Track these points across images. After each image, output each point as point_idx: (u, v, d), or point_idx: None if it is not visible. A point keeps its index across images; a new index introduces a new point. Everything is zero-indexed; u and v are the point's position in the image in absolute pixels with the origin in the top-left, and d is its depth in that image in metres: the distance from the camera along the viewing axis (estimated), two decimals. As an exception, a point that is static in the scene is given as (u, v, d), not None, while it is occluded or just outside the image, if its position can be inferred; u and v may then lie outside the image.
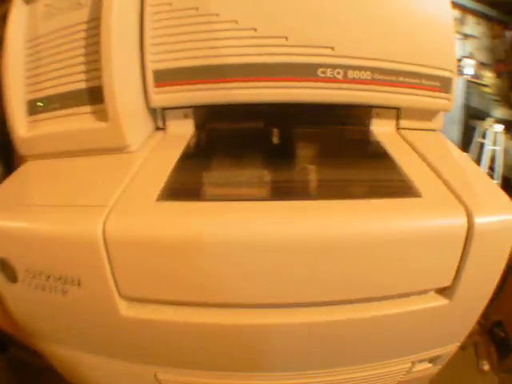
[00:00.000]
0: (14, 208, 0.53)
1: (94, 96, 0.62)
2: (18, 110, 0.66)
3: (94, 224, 0.47)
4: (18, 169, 0.66)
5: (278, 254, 0.46)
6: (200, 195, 0.56)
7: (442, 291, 0.50)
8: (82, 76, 0.63)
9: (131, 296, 0.50)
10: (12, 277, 0.53)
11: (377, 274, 0.48)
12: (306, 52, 0.60)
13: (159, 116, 0.69)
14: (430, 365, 0.60)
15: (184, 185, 0.55)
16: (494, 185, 0.53)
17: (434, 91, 0.62)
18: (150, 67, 0.63)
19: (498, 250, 0.48)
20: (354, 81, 0.60)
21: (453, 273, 0.48)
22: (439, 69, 0.61)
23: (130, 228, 0.47)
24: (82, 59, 0.62)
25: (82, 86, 0.63)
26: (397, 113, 0.66)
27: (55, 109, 0.66)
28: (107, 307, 0.51)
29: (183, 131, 0.68)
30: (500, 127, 2.09)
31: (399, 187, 0.52)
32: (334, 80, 0.60)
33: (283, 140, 0.65)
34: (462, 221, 0.45)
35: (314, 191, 0.56)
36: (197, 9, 0.60)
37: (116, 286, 0.49)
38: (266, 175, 0.56)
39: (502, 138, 2.10)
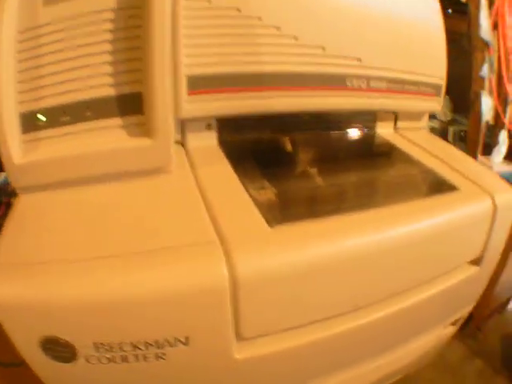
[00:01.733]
0: (64, 267, 0.40)
1: (126, 105, 0.51)
2: (10, 126, 0.49)
3: (216, 266, 0.40)
4: (18, 209, 0.50)
5: (372, 262, 0.49)
6: (302, 213, 0.53)
7: (474, 261, 0.63)
8: (108, 79, 0.50)
9: (250, 336, 0.46)
10: (65, 356, 0.41)
11: (432, 262, 0.57)
12: (338, 62, 0.62)
13: (177, 128, 0.60)
14: (452, 327, 0.74)
15: (275, 203, 0.51)
16: (483, 167, 0.69)
17: (430, 96, 0.73)
18: (184, 72, 0.54)
19: (508, 218, 0.63)
20: (373, 89, 0.65)
21: (482, 244, 0.61)
22: (434, 77, 0.72)
23: (270, 262, 0.42)
24: (107, 58, 0.50)
25: (107, 92, 0.50)
26: (395, 115, 0.75)
27: (65, 123, 0.51)
28: (219, 356, 0.45)
29: (206, 144, 0.61)
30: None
31: (438, 183, 0.62)
32: (359, 89, 0.64)
33: (308, 146, 0.67)
34: (490, 203, 0.58)
35: (375, 197, 0.60)
36: (238, 10, 0.55)
37: (236, 329, 0.44)
38: (328, 184, 0.58)
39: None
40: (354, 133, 0.73)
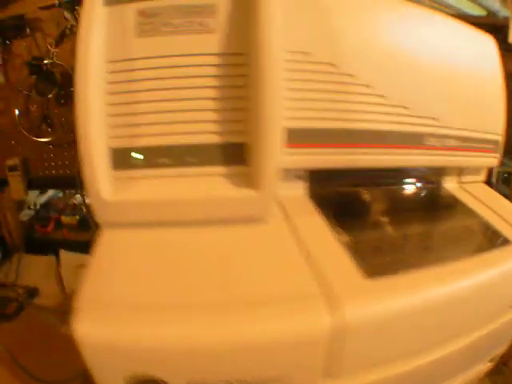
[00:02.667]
0: (160, 311, 0.41)
1: (229, 155, 0.52)
2: (100, 160, 0.50)
3: (319, 317, 0.43)
4: (103, 245, 0.50)
5: (445, 310, 0.53)
6: (390, 265, 0.55)
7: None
8: (211, 127, 0.51)
9: (339, 373, 0.48)
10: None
11: (487, 308, 0.61)
12: (418, 122, 0.64)
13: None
14: (490, 364, 0.76)
15: (365, 254, 0.53)
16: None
17: (491, 152, 0.76)
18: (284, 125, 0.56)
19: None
20: (445, 148, 0.68)
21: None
22: (494, 133, 0.76)
23: (372, 311, 0.45)
24: (210, 104, 0.51)
25: (209, 140, 0.52)
26: (459, 170, 0.78)
27: (162, 165, 0.52)
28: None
29: (295, 194, 0.62)
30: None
31: (496, 236, 0.65)
32: (433, 147, 0.67)
33: (385, 199, 0.70)
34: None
35: (444, 251, 0.62)
36: (334, 65, 0.57)
37: (327, 368, 0.46)
38: (406, 236, 0.61)
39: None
40: (424, 187, 0.76)
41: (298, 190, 0.64)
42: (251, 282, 0.46)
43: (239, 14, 0.50)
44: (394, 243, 0.61)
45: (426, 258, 0.58)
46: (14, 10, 1.09)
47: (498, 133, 0.77)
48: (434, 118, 0.66)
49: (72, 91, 1.01)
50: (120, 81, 0.50)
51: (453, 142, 0.69)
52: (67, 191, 1.54)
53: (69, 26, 1.04)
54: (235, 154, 0.52)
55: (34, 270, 1.14)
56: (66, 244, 1.23)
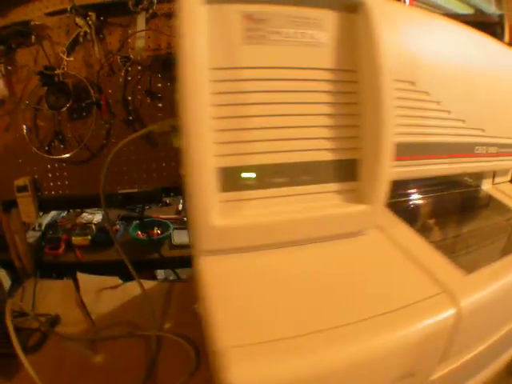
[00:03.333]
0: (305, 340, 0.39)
1: (341, 171, 0.53)
2: (211, 183, 0.47)
3: (446, 311, 0.46)
4: (212, 276, 0.47)
5: None
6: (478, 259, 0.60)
7: None
8: (324, 144, 0.52)
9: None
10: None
11: None
12: (472, 133, 0.72)
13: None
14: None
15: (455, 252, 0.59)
16: None
17: None
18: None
19: None
20: (489, 154, 0.76)
21: None
22: None
23: (481, 297, 0.49)
24: (323, 120, 0.51)
25: (323, 157, 0.52)
26: (493, 173, 0.86)
27: (277, 185, 0.50)
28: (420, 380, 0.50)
29: None
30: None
31: None
32: (481, 155, 0.74)
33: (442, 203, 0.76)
34: None
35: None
36: (413, 83, 0.61)
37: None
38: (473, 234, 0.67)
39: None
40: (468, 191, 0.85)
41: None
42: (375, 293, 0.47)
43: (348, 31, 0.51)
44: (466, 240, 0.67)
45: (495, 249, 0.64)
46: (16, 16, 1.00)
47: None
48: (482, 129, 0.73)
49: (86, 104, 0.98)
50: (227, 91, 0.47)
51: (494, 149, 0.77)
52: (72, 210, 1.47)
53: (82, 33, 0.98)
54: (347, 171, 0.54)
55: (50, 295, 1.06)
56: (80, 265, 1.16)
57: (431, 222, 0.70)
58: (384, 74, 0.51)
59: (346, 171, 0.54)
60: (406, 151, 0.62)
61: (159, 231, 1.29)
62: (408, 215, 0.67)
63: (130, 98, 1.02)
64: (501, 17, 1.23)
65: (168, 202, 1.61)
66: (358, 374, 0.42)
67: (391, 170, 0.55)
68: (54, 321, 0.95)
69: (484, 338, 0.58)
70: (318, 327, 0.41)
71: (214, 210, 0.48)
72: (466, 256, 0.61)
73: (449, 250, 0.59)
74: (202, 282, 0.46)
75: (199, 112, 0.45)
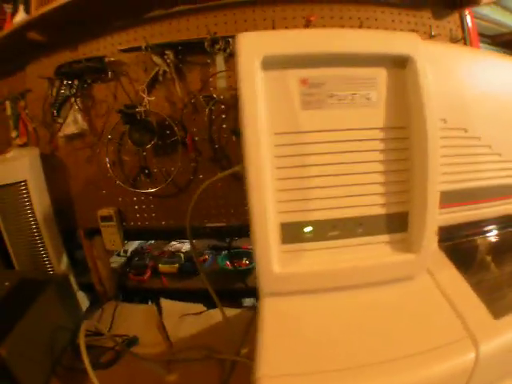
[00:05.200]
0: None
1: (393, 223, 0.58)
2: (273, 236, 0.54)
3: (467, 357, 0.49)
4: (269, 314, 0.55)
5: None
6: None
7: None
8: (378, 199, 0.56)
9: None
10: None
11: None
12: None
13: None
14: None
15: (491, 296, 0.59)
16: None
17: None
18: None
19: None
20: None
21: None
22: None
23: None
24: (377, 178, 0.56)
25: (377, 211, 0.57)
26: None
27: (332, 238, 0.56)
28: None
29: None
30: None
31: None
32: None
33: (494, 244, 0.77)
34: None
35: None
36: (465, 130, 0.63)
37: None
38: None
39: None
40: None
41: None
42: (411, 335, 0.52)
43: (398, 87, 0.55)
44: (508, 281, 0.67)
45: None
46: (88, 50, 1.09)
47: None
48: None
49: (171, 141, 1.06)
50: (288, 155, 0.53)
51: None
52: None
53: (161, 72, 1.03)
54: (396, 223, 0.58)
55: (131, 318, 1.13)
56: (164, 292, 1.23)
57: (481, 262, 0.71)
58: (430, 127, 0.54)
59: (396, 223, 0.58)
60: (457, 198, 0.65)
61: (247, 261, 1.33)
62: (461, 257, 0.69)
63: (215, 136, 1.06)
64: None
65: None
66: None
67: (437, 219, 0.59)
68: (131, 341, 1.01)
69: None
70: (353, 364, 0.47)
71: (275, 260, 0.55)
72: (502, 300, 0.62)
73: (489, 292, 0.61)
74: (261, 318, 0.54)
75: (263, 175, 0.52)
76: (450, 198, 0.64)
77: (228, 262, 1.33)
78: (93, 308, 1.20)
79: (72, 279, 1.18)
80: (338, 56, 0.54)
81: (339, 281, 0.58)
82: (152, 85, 1.06)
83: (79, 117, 1.12)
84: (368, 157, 0.56)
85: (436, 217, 0.58)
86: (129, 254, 1.44)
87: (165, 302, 1.18)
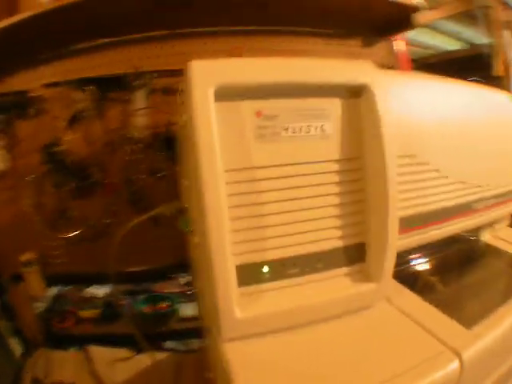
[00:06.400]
0: None
1: (351, 255, 0.57)
2: (227, 279, 0.50)
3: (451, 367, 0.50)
4: (238, 361, 0.50)
5: None
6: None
7: None
8: (334, 232, 0.55)
9: None
10: None
11: None
12: (470, 191, 0.74)
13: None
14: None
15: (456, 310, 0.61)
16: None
17: None
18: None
19: None
20: (487, 207, 0.79)
21: None
22: None
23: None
24: (331, 211, 0.55)
25: (334, 244, 0.55)
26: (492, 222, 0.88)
27: (292, 275, 0.54)
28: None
29: None
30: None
31: None
32: (479, 210, 0.77)
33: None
34: None
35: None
36: (414, 156, 0.64)
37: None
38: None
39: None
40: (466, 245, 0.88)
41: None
42: (388, 357, 0.51)
43: (353, 117, 0.55)
44: (467, 294, 0.70)
45: (494, 298, 0.68)
46: (12, 85, 1.01)
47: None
48: (479, 186, 0.76)
49: (90, 183, 0.99)
50: (241, 192, 0.50)
51: (493, 201, 0.80)
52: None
53: (81, 109, 0.98)
54: (355, 254, 0.57)
55: (64, 366, 1.08)
56: (88, 338, 1.19)
57: (434, 282, 0.73)
58: (389, 155, 0.54)
59: (355, 254, 0.57)
60: (407, 224, 0.64)
61: (165, 305, 1.33)
62: (411, 280, 0.71)
63: (133, 177, 1.03)
64: (490, 46, 1.28)
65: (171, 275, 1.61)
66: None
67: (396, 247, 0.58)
68: None
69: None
70: None
71: (234, 304, 0.51)
72: (466, 310, 0.64)
73: (451, 307, 0.62)
74: (229, 367, 0.49)
75: (218, 215, 0.47)
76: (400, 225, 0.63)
77: (146, 307, 1.33)
78: (25, 355, 1.13)
79: (2, 324, 1.10)
80: (293, 86, 0.52)
81: (302, 317, 0.55)
82: (73, 123, 1.01)
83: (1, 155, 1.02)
84: (323, 190, 0.54)
85: (396, 243, 0.57)
86: (50, 300, 1.36)
87: (92, 349, 1.15)
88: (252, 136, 0.50)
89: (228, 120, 0.49)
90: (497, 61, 1.29)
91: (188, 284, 1.54)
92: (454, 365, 0.50)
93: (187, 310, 1.33)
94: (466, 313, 0.62)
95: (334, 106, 0.54)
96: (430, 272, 0.78)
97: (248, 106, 0.50)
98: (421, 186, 0.66)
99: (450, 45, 1.40)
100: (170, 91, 1.02)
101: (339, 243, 0.56)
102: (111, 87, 1.00)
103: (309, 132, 0.52)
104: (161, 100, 1.02)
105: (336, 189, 0.55)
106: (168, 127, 1.00)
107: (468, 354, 0.51)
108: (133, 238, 1.01)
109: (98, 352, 1.13)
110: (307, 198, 0.53)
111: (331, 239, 0.55)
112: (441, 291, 0.72)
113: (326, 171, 0.54)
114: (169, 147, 1.00)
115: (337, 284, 0.56)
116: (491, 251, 0.85)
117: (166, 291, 1.39)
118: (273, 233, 0.52)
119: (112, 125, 1.01)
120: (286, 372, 0.49)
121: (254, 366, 0.50)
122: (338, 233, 0.56)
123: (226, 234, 0.48)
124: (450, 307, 0.61)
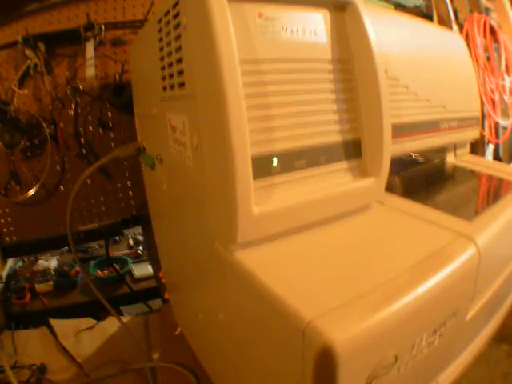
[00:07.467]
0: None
1: (349, 150, 0.58)
2: (244, 171, 0.46)
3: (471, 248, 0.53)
4: (256, 266, 0.47)
5: None
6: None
7: None
8: (334, 126, 0.56)
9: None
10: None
11: None
12: (436, 111, 0.81)
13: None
14: None
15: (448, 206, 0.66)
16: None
17: (474, 126, 0.95)
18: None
19: None
20: (452, 128, 0.85)
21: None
22: (476, 111, 0.96)
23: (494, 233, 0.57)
24: (331, 106, 0.56)
25: (334, 138, 0.56)
26: (455, 146, 0.95)
27: (300, 168, 0.53)
28: (460, 320, 0.54)
29: None
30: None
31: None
32: (445, 129, 0.84)
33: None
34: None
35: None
36: (386, 71, 0.64)
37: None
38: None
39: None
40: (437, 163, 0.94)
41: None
42: (403, 250, 0.52)
43: (340, 27, 0.58)
44: (454, 200, 0.75)
45: (481, 202, 0.75)
46: None
47: (477, 110, 0.98)
48: (443, 106, 0.81)
49: (39, 140, 0.92)
50: (251, 84, 0.49)
51: (455, 123, 0.86)
52: (26, 259, 1.45)
53: (32, 66, 0.95)
54: (353, 149, 0.59)
55: (30, 345, 1.00)
56: (49, 312, 1.14)
57: (418, 191, 0.78)
58: (377, 61, 0.57)
59: (353, 149, 0.59)
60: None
61: (118, 267, 1.31)
62: (396, 190, 0.74)
63: (82, 130, 1.01)
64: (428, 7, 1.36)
65: (118, 239, 1.63)
66: (417, 317, 0.45)
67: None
68: (41, 370, 0.90)
69: (499, 273, 0.65)
70: (372, 285, 0.44)
71: (251, 199, 0.48)
72: (461, 210, 0.68)
73: (444, 208, 0.66)
74: (249, 274, 0.47)
75: (239, 103, 0.45)
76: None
77: (99, 271, 1.34)
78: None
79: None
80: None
81: (312, 214, 0.55)
82: (22, 82, 0.98)
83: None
84: (320, 87, 0.55)
85: (390, 142, 0.59)
86: (4, 279, 1.33)
87: (55, 322, 1.08)
88: (255, 33, 0.50)
89: (234, 18, 0.48)
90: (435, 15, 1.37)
91: (137, 244, 1.59)
92: (471, 250, 0.52)
93: (143, 269, 1.34)
94: (459, 212, 0.65)
95: (323, 16, 0.56)
96: (411, 184, 0.83)
97: (250, 8, 0.50)
98: (393, 98, 0.70)
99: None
100: (118, 42, 1.01)
101: (338, 137, 0.57)
102: (62, 43, 0.97)
103: (304, 34, 0.54)
104: (110, 52, 1.00)
105: (331, 86, 0.56)
106: (120, 76, 0.99)
107: (481, 239, 0.54)
108: (86, 192, 1.03)
109: (62, 325, 1.06)
110: (306, 92, 0.54)
111: (331, 132, 0.56)
112: (427, 198, 0.75)
113: (322, 69, 0.56)
114: (117, 97, 0.99)
115: (339, 179, 0.57)
116: (460, 169, 0.92)
117: (116, 254, 1.41)
118: (279, 123, 0.51)
119: (60, 80, 0.98)
120: (313, 268, 0.48)
121: (278, 267, 0.48)
122: (337, 127, 0.57)
123: (245, 122, 0.45)
124: (443, 209, 0.65)
